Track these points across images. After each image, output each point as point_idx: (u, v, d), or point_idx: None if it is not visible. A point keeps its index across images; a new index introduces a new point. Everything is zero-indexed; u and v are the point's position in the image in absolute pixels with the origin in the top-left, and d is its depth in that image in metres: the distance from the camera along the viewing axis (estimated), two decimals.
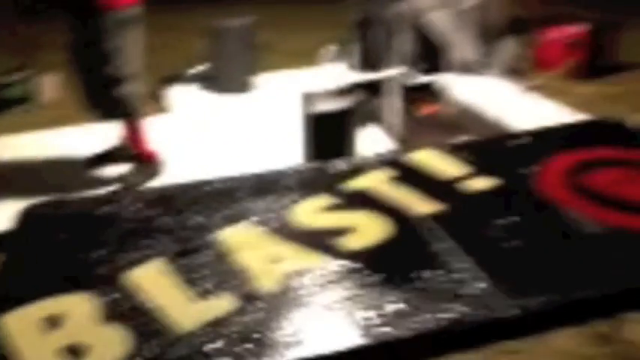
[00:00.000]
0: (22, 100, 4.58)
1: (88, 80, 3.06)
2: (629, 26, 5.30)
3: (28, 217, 1.57)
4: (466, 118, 3.73)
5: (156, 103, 4.48)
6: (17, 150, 3.75)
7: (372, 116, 3.67)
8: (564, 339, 2.32)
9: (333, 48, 5.00)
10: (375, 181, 1.67)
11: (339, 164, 1.80)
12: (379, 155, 1.84)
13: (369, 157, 1.86)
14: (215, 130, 3.95)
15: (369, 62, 4.43)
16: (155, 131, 3.38)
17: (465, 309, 1.21)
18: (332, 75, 4.72)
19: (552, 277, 1.28)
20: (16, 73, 4.64)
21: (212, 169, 3.28)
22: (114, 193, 2.44)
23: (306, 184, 1.73)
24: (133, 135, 3.20)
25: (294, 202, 1.62)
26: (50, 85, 4.74)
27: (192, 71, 4.88)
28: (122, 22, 2.94)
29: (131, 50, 3.00)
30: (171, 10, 6.68)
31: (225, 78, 4.56)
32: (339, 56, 4.97)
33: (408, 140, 3.49)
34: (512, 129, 3.50)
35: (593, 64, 4.97)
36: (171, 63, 5.26)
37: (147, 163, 3.23)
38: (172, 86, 4.79)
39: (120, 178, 3.22)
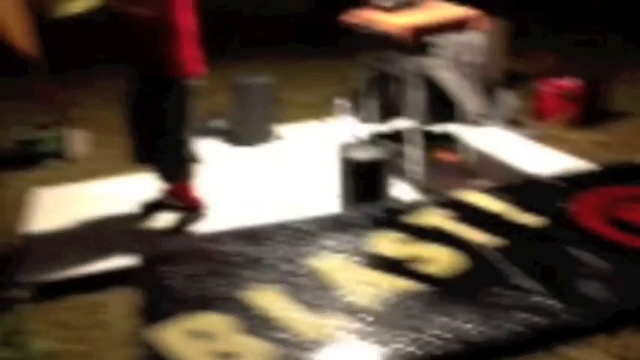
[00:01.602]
0: (54, 155, 4.82)
1: (150, 142, 3.28)
2: (618, 79, 5.73)
3: (149, 257, 1.83)
4: (481, 165, 4.04)
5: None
6: (65, 200, 4.00)
7: (393, 165, 3.97)
8: None
9: (344, 101, 5.34)
10: (436, 218, 1.95)
11: (400, 204, 2.08)
12: (434, 196, 2.13)
13: (424, 198, 2.14)
14: (248, 178, 4.22)
15: (382, 115, 4.76)
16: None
17: (529, 317, 1.48)
18: (346, 127, 5.05)
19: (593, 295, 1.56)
20: (49, 129, 4.91)
21: (253, 214, 3.55)
22: (214, 233, 2.62)
23: (374, 220, 2.00)
24: (186, 187, 3.45)
25: (367, 235, 1.89)
26: (80, 141, 5.00)
27: (213, 124, 5.15)
28: (191, 89, 3.23)
29: (190, 116, 3.29)
30: None
31: (249, 130, 4.86)
32: (351, 109, 5.32)
33: (430, 187, 3.78)
34: (523, 175, 3.83)
35: (587, 114, 5.34)
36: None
37: (196, 210, 3.48)
38: (197, 138, 5.07)
39: (174, 224, 3.46)
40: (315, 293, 1.61)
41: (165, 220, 3.58)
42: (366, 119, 4.98)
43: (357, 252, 1.80)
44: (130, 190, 3.96)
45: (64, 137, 4.88)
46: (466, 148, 4.13)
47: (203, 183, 3.70)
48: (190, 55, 3.24)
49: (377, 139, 4.01)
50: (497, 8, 4.16)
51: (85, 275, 2.99)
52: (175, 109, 3.23)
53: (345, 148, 3.28)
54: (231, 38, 8.22)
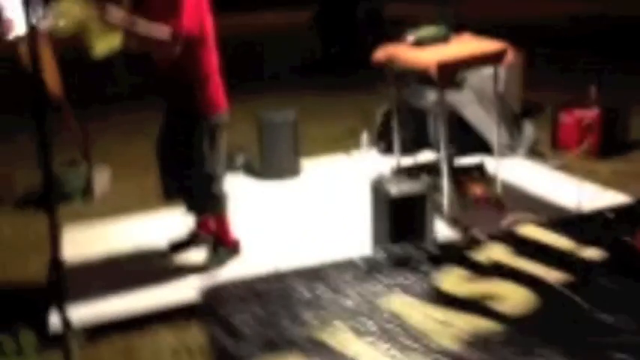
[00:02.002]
0: (78, 191, 4.83)
1: (182, 178, 3.31)
2: (634, 108, 5.76)
3: (213, 295, 1.82)
4: (510, 197, 4.05)
5: None
6: (93, 237, 3.99)
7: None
8: None
9: (366, 135, 5.36)
10: (495, 253, 1.95)
11: (455, 239, 2.08)
12: (490, 230, 2.13)
13: (480, 232, 2.14)
14: (278, 214, 4.21)
15: (406, 147, 4.78)
16: None
17: (613, 354, 1.47)
18: (371, 160, 5.06)
19: None
20: (71, 167, 4.92)
21: (288, 252, 3.53)
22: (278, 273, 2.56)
23: (431, 257, 2.00)
24: (220, 225, 3.46)
25: (428, 273, 1.88)
26: (102, 177, 5.02)
27: (237, 158, 5.15)
28: (220, 125, 3.28)
29: (222, 151, 3.32)
30: None
31: (274, 165, 4.87)
32: (375, 142, 5.34)
33: (459, 219, 3.77)
34: (554, 207, 3.85)
35: (605, 144, 5.37)
36: None
37: (230, 248, 3.47)
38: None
39: (204, 263, 3.45)
40: (387, 332, 1.60)
41: (197, 257, 3.57)
42: (389, 152, 5.00)
43: (423, 290, 1.79)
44: (158, 227, 3.96)
45: (87, 173, 4.89)
46: (494, 181, 4.14)
47: (234, 219, 3.71)
48: (216, 91, 3.30)
49: (404, 172, 4.02)
50: (507, 40, 4.21)
51: (125, 317, 2.98)
52: (203, 144, 3.26)
53: (379, 182, 3.28)
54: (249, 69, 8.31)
